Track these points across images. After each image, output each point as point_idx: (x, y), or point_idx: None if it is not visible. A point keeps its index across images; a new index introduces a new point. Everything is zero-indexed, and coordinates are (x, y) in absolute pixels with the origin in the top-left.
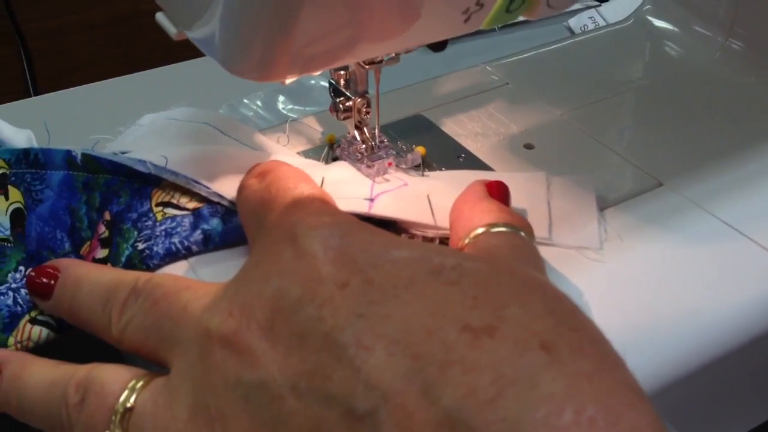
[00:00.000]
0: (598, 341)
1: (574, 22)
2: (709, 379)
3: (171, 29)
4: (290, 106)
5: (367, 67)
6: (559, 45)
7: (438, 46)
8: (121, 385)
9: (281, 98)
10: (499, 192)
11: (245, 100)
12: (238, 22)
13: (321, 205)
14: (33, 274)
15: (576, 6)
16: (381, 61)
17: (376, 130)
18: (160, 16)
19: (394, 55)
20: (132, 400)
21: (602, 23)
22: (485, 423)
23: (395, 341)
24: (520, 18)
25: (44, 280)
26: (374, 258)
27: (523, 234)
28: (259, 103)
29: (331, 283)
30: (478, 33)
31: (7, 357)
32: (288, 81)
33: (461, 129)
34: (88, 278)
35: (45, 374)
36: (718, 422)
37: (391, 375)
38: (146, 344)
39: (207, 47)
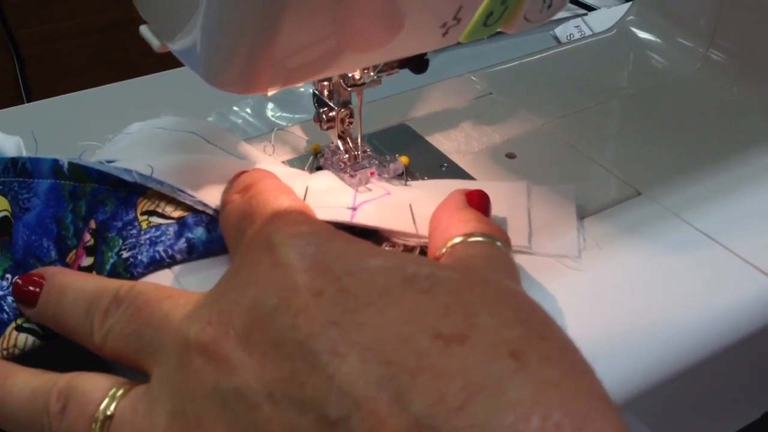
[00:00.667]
0: (567, 349)
1: (560, 31)
2: (685, 387)
3: (154, 42)
4: (279, 114)
5: (349, 89)
6: (542, 55)
7: (419, 68)
8: (102, 393)
9: (270, 106)
10: (479, 201)
11: (235, 108)
12: (218, 34)
13: (299, 216)
14: (19, 282)
15: (562, 15)
16: (363, 83)
17: (359, 141)
18: (143, 29)
19: (375, 77)
20: (112, 407)
21: (588, 32)
22: (454, 429)
23: (368, 348)
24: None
25: (30, 287)
26: (349, 266)
27: (499, 244)
28: (248, 110)
29: (306, 292)
30: None
31: None
32: (270, 93)
33: (444, 138)
34: (72, 286)
35: (27, 383)
36: (695, 429)
37: (363, 381)
38: (127, 352)
39: (189, 60)
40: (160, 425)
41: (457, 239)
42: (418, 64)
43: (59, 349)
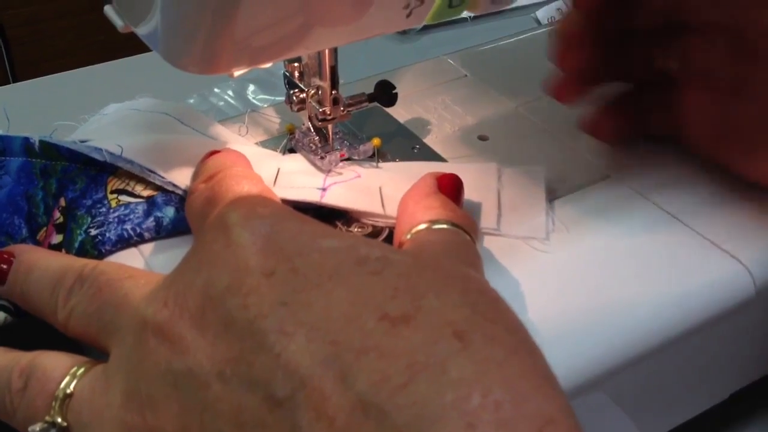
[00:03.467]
0: (513, 331)
1: (541, 14)
2: (652, 367)
3: (118, 22)
4: (260, 96)
5: (320, 123)
6: (518, 38)
7: (388, 102)
8: (63, 372)
9: (251, 87)
10: (450, 186)
11: (216, 90)
12: (178, 12)
13: (258, 199)
14: None
15: None
16: (333, 118)
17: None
18: (107, 9)
19: (345, 112)
20: (72, 386)
21: None
22: (396, 407)
23: (315, 328)
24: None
25: (0, 265)
26: (301, 247)
27: (464, 232)
28: (230, 92)
29: (257, 272)
30: (450, 23)
31: None
32: (237, 74)
33: (417, 120)
34: (39, 264)
35: None
36: (663, 408)
37: (309, 360)
38: (89, 331)
39: (150, 40)
40: (115, 404)
41: (422, 226)
42: (388, 98)
43: (32, 327)
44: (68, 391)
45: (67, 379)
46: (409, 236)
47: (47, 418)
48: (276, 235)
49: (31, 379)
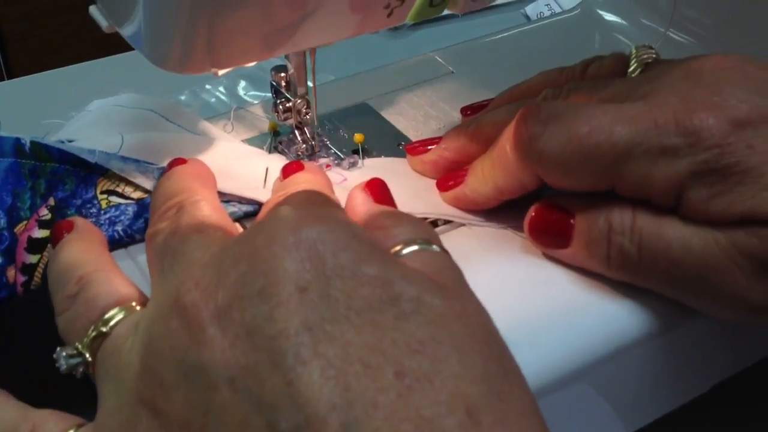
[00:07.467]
0: (525, 414)
1: (531, 10)
2: (637, 357)
3: (102, 22)
4: (252, 92)
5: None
6: (504, 34)
7: None
8: (107, 302)
9: (242, 84)
10: (380, 192)
11: (207, 86)
12: (160, 13)
13: (316, 197)
14: None
15: None
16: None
17: (315, 131)
18: (92, 9)
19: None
20: (111, 323)
21: (558, 11)
22: None
23: (332, 365)
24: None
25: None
26: (341, 268)
27: (435, 248)
28: (221, 89)
29: (292, 284)
30: (441, 19)
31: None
32: (221, 72)
33: (403, 117)
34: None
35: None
36: (647, 399)
37: (318, 400)
38: (152, 259)
39: (134, 40)
40: (134, 367)
41: (398, 247)
42: None
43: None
44: (104, 330)
45: (111, 312)
46: None
47: (77, 345)
48: (320, 245)
49: (82, 295)
